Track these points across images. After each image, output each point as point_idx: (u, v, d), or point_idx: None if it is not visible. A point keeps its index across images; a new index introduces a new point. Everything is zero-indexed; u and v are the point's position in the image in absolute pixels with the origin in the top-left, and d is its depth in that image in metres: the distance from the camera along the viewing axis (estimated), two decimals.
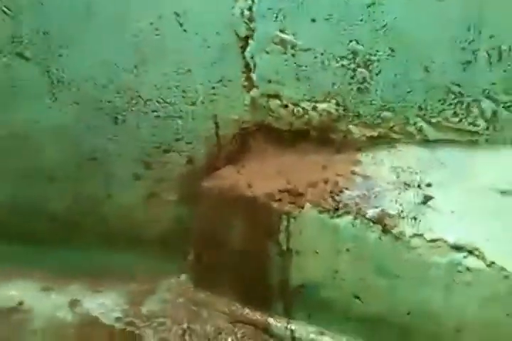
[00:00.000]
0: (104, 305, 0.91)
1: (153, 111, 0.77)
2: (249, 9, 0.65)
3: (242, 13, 0.66)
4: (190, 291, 0.86)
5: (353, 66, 0.65)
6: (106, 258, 0.95)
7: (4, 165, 0.85)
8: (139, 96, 0.76)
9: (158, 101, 0.76)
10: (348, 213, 0.66)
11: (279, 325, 0.77)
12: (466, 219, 0.61)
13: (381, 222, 0.63)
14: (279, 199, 0.70)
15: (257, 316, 0.79)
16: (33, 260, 0.98)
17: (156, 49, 0.72)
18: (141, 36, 0.72)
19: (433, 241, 0.60)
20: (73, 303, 0.93)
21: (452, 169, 0.67)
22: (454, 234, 0.60)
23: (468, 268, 0.59)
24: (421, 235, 0.61)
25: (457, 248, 0.59)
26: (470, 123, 0.65)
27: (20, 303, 0.93)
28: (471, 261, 0.59)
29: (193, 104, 0.76)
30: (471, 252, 0.59)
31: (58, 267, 0.97)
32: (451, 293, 0.61)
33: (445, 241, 0.60)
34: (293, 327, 0.76)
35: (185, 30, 0.70)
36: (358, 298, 0.70)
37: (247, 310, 0.80)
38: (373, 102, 0.67)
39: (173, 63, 0.73)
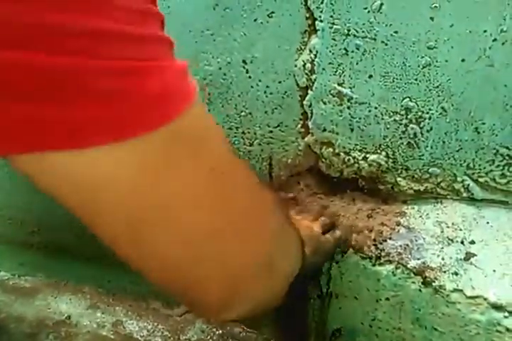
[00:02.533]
0: (146, 328, 0.94)
1: None
2: (311, 62, 0.69)
3: (304, 65, 0.70)
4: (228, 324, 0.88)
5: (405, 121, 0.67)
6: (152, 284, 0.98)
7: None
8: None
9: None
10: (389, 262, 0.67)
11: None
12: (508, 279, 0.61)
13: (422, 273, 0.64)
14: None
15: None
16: (85, 277, 1.02)
17: (221, 92, 0.77)
18: (209, 79, 0.77)
19: (473, 297, 0.60)
20: (117, 324, 0.96)
21: (497, 228, 0.67)
22: (494, 292, 0.59)
23: (508, 329, 0.59)
24: (461, 290, 0.61)
25: (497, 307, 0.59)
26: None
27: (68, 317, 0.97)
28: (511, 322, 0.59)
29: (251, 145, 0.80)
30: (511, 313, 0.58)
31: (107, 287, 1.01)
32: None
33: (485, 299, 0.59)
34: None
35: (250, 77, 0.74)
36: None
37: None
38: (422, 157, 0.68)
39: (236, 106, 0.77)
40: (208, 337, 0.89)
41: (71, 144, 0.28)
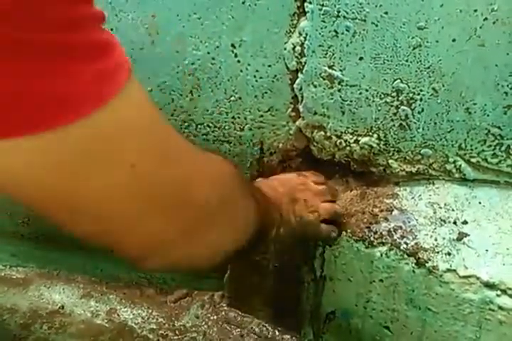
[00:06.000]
0: (140, 316, 0.94)
1: (203, 135, 0.81)
2: (301, 45, 0.68)
3: (293, 48, 0.69)
4: (223, 309, 0.88)
5: (396, 103, 0.66)
6: (145, 271, 0.98)
7: None
8: (192, 119, 0.80)
9: (208, 126, 0.80)
10: (382, 244, 0.67)
11: None
12: (500, 259, 0.61)
13: (415, 254, 0.64)
14: None
15: (286, 339, 0.80)
16: (77, 267, 1.02)
17: (210, 77, 0.76)
18: (198, 64, 0.76)
19: (466, 277, 0.61)
20: (111, 312, 0.96)
21: (489, 208, 0.67)
22: (487, 271, 0.60)
23: (500, 307, 0.59)
24: (454, 270, 0.62)
25: (490, 286, 0.59)
26: (509, 165, 0.65)
27: (62, 307, 0.97)
28: (504, 300, 0.59)
29: (241, 130, 0.79)
30: (504, 291, 0.59)
31: (100, 276, 1.01)
32: (482, 330, 0.62)
33: (478, 278, 0.60)
34: None
35: (239, 61, 0.73)
36: (387, 328, 0.71)
37: (277, 333, 0.81)
38: (414, 139, 0.68)
39: (226, 91, 0.76)
40: (203, 323, 0.89)
41: None
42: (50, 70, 0.28)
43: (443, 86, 0.63)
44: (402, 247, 0.66)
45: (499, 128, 0.63)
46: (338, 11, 0.63)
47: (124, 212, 0.38)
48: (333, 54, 0.67)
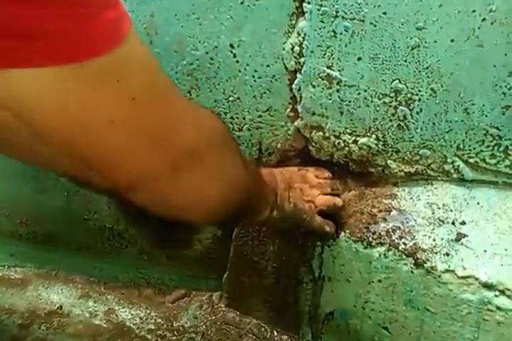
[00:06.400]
0: (139, 316, 0.94)
1: None
2: (299, 45, 0.68)
3: (292, 48, 0.69)
4: (221, 310, 0.88)
5: (394, 104, 0.66)
6: (143, 271, 0.98)
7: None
8: None
9: None
10: (381, 244, 0.67)
11: None
12: (499, 259, 0.61)
13: (413, 255, 0.64)
14: None
15: (285, 340, 0.80)
16: (76, 267, 1.02)
17: (209, 77, 0.76)
18: (196, 64, 0.76)
19: (464, 277, 0.61)
20: (109, 312, 0.95)
21: (487, 209, 0.67)
22: (485, 272, 0.60)
23: (499, 308, 0.59)
24: (452, 271, 0.62)
25: (488, 286, 0.59)
26: (507, 166, 0.65)
27: (60, 307, 0.97)
28: (502, 301, 0.59)
29: (240, 130, 0.79)
30: (502, 292, 0.59)
31: (98, 276, 1.01)
32: (480, 331, 0.62)
33: (476, 279, 0.60)
34: None
35: (237, 61, 0.73)
36: (386, 328, 0.71)
37: (275, 333, 0.81)
38: (412, 139, 0.68)
39: (224, 91, 0.76)
40: (201, 324, 0.89)
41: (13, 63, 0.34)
42: (75, 13, 0.34)
43: (441, 86, 0.63)
44: (400, 248, 0.66)
45: (497, 128, 0.63)
46: (337, 11, 0.63)
47: (119, 143, 0.42)
48: (332, 54, 0.67)
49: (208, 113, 0.57)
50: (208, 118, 0.54)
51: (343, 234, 0.71)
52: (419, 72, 0.63)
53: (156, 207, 0.51)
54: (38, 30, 0.33)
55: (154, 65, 0.44)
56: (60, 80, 0.36)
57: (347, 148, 0.73)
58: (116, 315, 0.94)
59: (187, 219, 0.58)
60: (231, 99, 0.77)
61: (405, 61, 0.63)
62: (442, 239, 0.65)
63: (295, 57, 0.70)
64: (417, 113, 0.66)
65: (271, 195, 0.67)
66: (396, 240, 0.66)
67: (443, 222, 0.67)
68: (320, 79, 0.69)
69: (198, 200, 0.53)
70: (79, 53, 0.35)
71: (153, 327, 0.91)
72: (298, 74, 0.71)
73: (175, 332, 0.89)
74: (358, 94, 0.68)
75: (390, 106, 0.67)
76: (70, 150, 0.43)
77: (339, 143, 0.73)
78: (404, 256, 0.65)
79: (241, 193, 0.57)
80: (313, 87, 0.70)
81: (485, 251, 0.62)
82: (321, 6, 0.64)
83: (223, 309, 0.87)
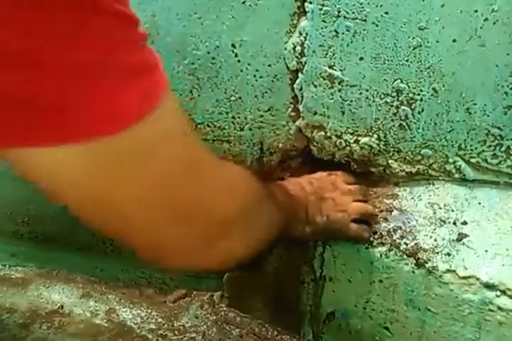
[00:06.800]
0: (140, 316, 0.94)
1: (203, 134, 0.81)
2: (301, 45, 0.68)
3: (294, 48, 0.69)
4: (222, 310, 0.88)
5: (396, 103, 0.66)
6: (144, 271, 0.98)
7: None
8: (192, 119, 0.80)
9: (208, 125, 0.80)
10: (382, 244, 0.67)
11: None
12: (500, 259, 0.61)
13: (415, 255, 0.64)
14: None
15: (286, 340, 0.80)
16: (77, 267, 1.02)
17: (211, 76, 0.76)
18: (198, 63, 0.76)
19: (465, 278, 0.61)
20: (110, 312, 0.95)
21: (488, 209, 0.67)
22: (486, 272, 0.60)
23: (500, 308, 0.59)
24: (454, 271, 0.61)
25: (490, 286, 0.59)
26: (508, 166, 0.65)
27: (61, 307, 0.97)
28: (504, 301, 0.59)
29: (241, 129, 0.79)
30: (503, 292, 0.59)
31: (99, 276, 1.01)
32: (481, 331, 0.61)
33: (478, 279, 0.60)
34: None
35: (239, 61, 0.73)
36: (387, 329, 0.71)
37: (276, 333, 0.81)
38: (414, 139, 0.68)
39: (226, 90, 0.76)
40: (202, 323, 0.89)
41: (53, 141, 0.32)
42: (104, 87, 0.32)
43: (443, 86, 0.63)
44: (401, 248, 0.65)
45: (499, 128, 0.63)
46: (339, 11, 0.63)
47: (149, 217, 0.40)
48: (334, 54, 0.67)
49: (237, 170, 0.53)
50: (240, 178, 0.51)
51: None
52: (421, 71, 0.63)
53: (188, 270, 0.50)
54: (67, 101, 0.32)
55: (186, 128, 0.41)
56: (88, 155, 0.34)
57: (348, 148, 0.73)
58: (117, 315, 0.94)
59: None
60: (232, 98, 0.76)
61: (407, 61, 0.63)
62: (443, 239, 0.65)
63: (297, 57, 0.70)
64: (419, 113, 0.66)
65: (301, 212, 0.65)
66: (397, 240, 0.66)
67: (444, 221, 0.67)
68: (322, 79, 0.69)
69: (231, 259, 0.50)
70: (111, 126, 0.34)
71: (154, 327, 0.91)
72: (299, 74, 0.71)
73: (176, 332, 0.89)
74: (360, 93, 0.68)
75: (392, 105, 0.67)
76: (100, 226, 0.41)
77: (341, 142, 0.73)
78: (405, 256, 0.65)
79: (276, 234, 0.55)
80: (315, 86, 0.70)
81: (486, 251, 0.62)
82: (322, 5, 0.64)
83: (224, 309, 0.87)
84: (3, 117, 0.31)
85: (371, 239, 0.68)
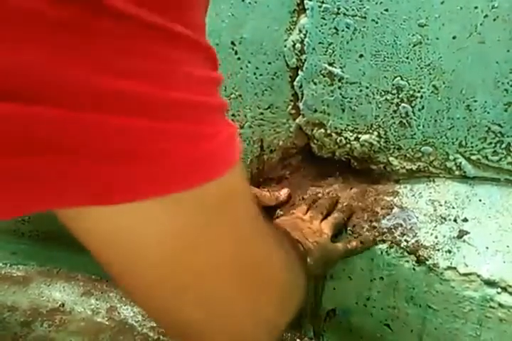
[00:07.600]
0: (141, 314, 0.94)
1: None
2: (301, 42, 0.68)
3: (293, 45, 0.69)
4: None
5: (396, 101, 0.66)
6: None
7: None
8: None
9: None
10: (383, 241, 0.67)
11: None
12: (501, 256, 0.61)
13: (415, 252, 0.64)
14: None
15: (287, 337, 0.80)
16: (78, 265, 1.02)
17: None
18: None
19: (466, 275, 0.61)
20: (111, 310, 0.96)
21: (489, 206, 0.67)
22: (487, 269, 0.60)
23: (501, 305, 0.59)
24: (454, 268, 0.61)
25: (490, 283, 0.59)
26: (509, 163, 0.65)
27: (62, 305, 0.97)
28: (505, 298, 0.59)
29: (241, 127, 0.79)
30: (504, 289, 0.59)
31: (100, 274, 1.01)
32: (482, 328, 0.62)
33: (478, 276, 0.60)
34: None
35: (239, 58, 0.73)
36: (388, 326, 0.71)
37: None
38: (414, 136, 0.68)
39: (226, 88, 0.76)
40: None
41: (124, 199, 0.27)
42: (199, 134, 0.28)
43: (443, 83, 0.63)
44: (402, 245, 0.65)
45: (499, 125, 0.63)
46: (338, 8, 0.63)
47: (223, 292, 0.33)
48: (334, 51, 0.66)
49: (286, 241, 0.49)
50: (287, 250, 0.45)
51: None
52: (421, 68, 0.63)
53: None
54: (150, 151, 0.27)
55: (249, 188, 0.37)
56: (166, 214, 0.28)
57: (349, 146, 0.73)
58: (119, 313, 0.95)
59: None
60: (233, 96, 0.76)
61: (407, 58, 0.63)
62: (444, 236, 0.65)
63: (296, 54, 0.70)
64: (419, 110, 0.66)
65: (300, 247, 0.61)
66: (398, 237, 0.66)
67: (445, 219, 0.67)
68: (321, 76, 0.69)
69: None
70: (197, 177, 0.28)
71: (155, 325, 0.91)
72: (299, 72, 0.71)
73: None
74: (360, 91, 0.68)
75: (392, 103, 0.67)
76: (170, 300, 0.33)
77: (341, 140, 0.73)
78: (406, 253, 0.65)
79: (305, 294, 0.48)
80: (315, 84, 0.70)
81: (487, 248, 0.62)
82: (322, 2, 0.64)
83: None
84: (106, 171, 0.26)
85: (371, 237, 0.68)
